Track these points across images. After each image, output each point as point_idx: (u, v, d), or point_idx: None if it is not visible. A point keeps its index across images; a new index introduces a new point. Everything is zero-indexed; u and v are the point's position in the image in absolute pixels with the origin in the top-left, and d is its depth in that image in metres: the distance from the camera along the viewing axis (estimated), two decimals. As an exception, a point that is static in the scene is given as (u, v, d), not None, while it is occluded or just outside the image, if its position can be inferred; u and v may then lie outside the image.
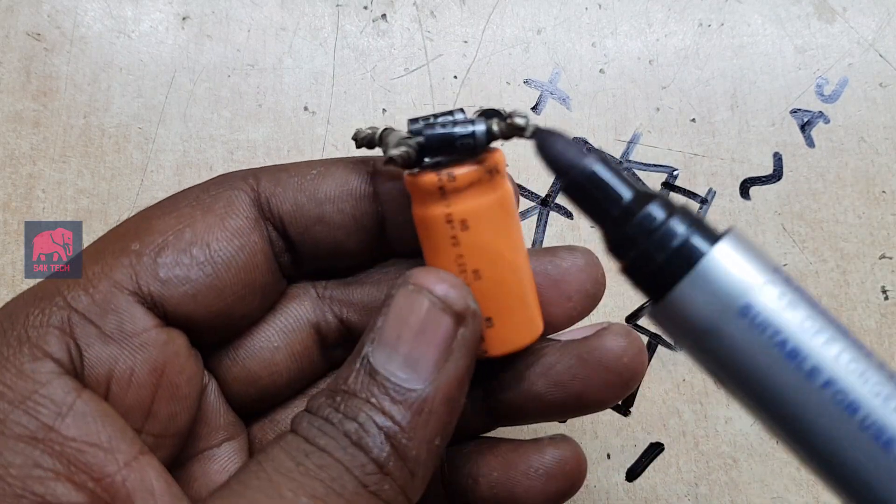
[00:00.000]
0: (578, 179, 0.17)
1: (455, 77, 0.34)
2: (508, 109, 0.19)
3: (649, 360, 0.32)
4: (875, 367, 0.15)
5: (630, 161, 0.34)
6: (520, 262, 0.21)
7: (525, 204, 0.33)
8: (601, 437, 0.31)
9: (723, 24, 0.35)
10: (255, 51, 0.34)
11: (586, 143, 0.34)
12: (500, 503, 0.22)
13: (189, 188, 0.22)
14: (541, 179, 0.33)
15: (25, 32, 0.33)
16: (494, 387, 0.23)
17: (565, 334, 0.23)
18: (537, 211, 0.33)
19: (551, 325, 0.22)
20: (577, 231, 0.33)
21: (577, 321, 0.22)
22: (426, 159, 0.19)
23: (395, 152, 0.19)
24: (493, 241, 0.20)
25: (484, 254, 0.20)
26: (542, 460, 0.22)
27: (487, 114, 0.20)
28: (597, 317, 0.31)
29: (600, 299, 0.23)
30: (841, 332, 0.16)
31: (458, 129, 0.19)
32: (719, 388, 0.31)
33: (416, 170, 0.20)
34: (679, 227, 0.16)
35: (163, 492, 0.18)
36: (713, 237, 0.16)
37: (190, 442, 0.22)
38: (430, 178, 0.19)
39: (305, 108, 0.34)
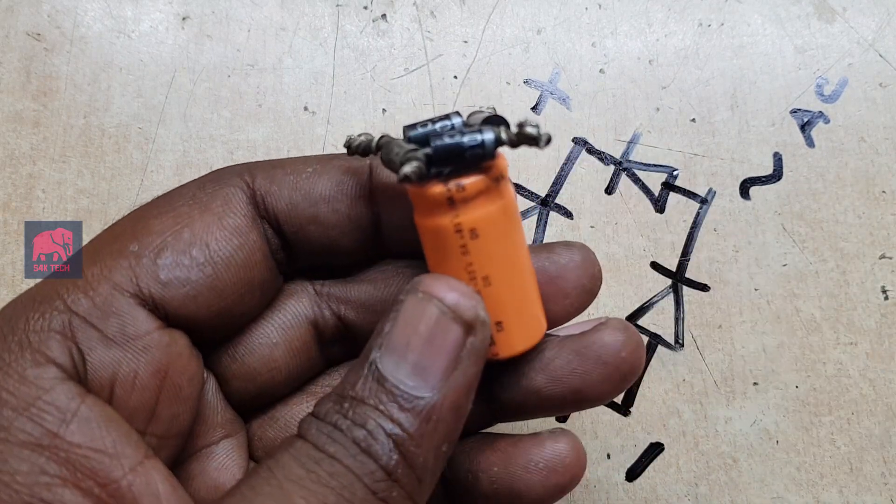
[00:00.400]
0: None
1: (455, 77, 0.34)
2: (508, 112, 0.19)
3: (649, 360, 0.32)
4: None
5: (630, 161, 0.34)
6: (526, 264, 0.20)
7: (525, 204, 0.33)
8: (601, 437, 0.31)
9: (723, 24, 0.35)
10: (255, 51, 0.34)
11: (586, 142, 0.34)
12: (500, 498, 0.22)
13: (184, 185, 0.22)
14: (541, 179, 0.33)
15: (25, 32, 0.33)
16: (493, 383, 0.23)
17: (563, 329, 0.23)
18: (537, 211, 0.33)
19: (549, 321, 0.22)
20: (577, 231, 0.33)
21: (575, 317, 0.22)
22: (432, 170, 0.19)
23: (408, 170, 0.18)
24: (502, 246, 0.19)
25: (493, 260, 0.19)
26: (541, 454, 0.22)
27: (492, 120, 0.19)
28: (596, 317, 0.31)
29: (597, 295, 0.23)
30: None
31: (466, 140, 0.18)
32: (718, 387, 0.31)
33: None
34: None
35: (169, 495, 0.18)
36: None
37: (188, 440, 0.22)
38: (438, 189, 0.19)
39: (305, 108, 0.34)
